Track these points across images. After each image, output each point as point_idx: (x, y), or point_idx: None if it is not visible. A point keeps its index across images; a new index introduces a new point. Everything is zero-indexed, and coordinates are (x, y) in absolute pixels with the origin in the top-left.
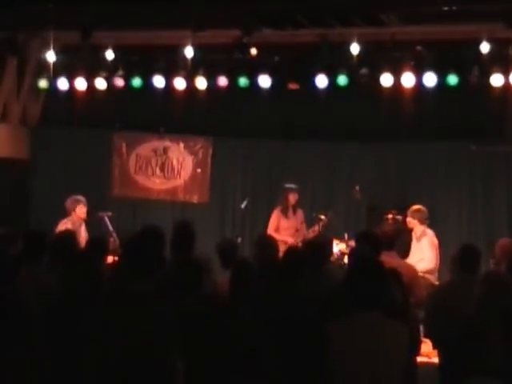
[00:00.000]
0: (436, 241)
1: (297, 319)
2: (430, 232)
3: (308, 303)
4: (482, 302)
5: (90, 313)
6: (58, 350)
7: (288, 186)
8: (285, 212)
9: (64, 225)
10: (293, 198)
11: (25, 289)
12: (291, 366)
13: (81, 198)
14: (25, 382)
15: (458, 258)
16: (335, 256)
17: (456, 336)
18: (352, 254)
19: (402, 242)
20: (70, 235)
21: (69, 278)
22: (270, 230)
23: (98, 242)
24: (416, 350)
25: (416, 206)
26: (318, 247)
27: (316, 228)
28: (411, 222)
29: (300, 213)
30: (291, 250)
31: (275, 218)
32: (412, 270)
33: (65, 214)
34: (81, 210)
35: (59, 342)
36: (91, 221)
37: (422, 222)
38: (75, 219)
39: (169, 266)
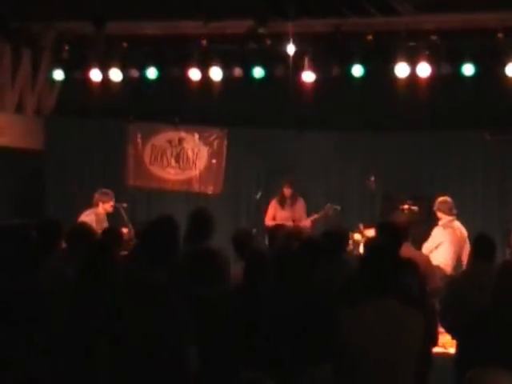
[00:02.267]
0: (463, 233)
1: (310, 308)
2: (456, 224)
3: (323, 293)
4: (497, 292)
5: (105, 301)
6: (73, 337)
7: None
8: (281, 203)
9: (88, 216)
10: (286, 190)
11: (44, 279)
12: (303, 354)
13: (110, 192)
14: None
15: (473, 248)
16: (351, 246)
17: (470, 326)
18: (368, 243)
19: (415, 232)
20: (87, 226)
21: (85, 267)
22: (267, 220)
23: (112, 233)
24: (433, 340)
25: (441, 198)
26: (336, 237)
27: (314, 217)
28: (438, 213)
29: (299, 204)
30: (307, 239)
31: (271, 208)
32: (426, 260)
33: (85, 204)
34: (108, 205)
35: (74, 331)
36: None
37: (446, 212)
38: (100, 211)
39: (185, 254)
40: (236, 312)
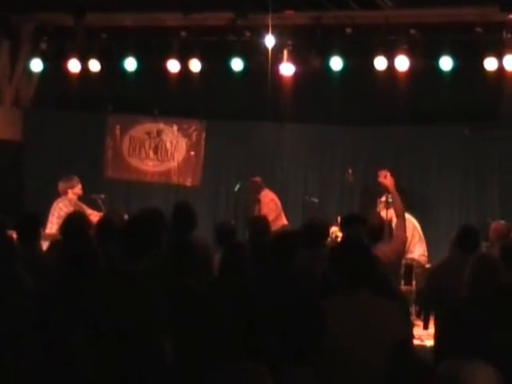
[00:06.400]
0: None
1: (288, 300)
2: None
3: (302, 285)
4: (473, 285)
5: (85, 293)
6: (54, 330)
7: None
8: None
9: (60, 203)
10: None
11: (22, 271)
12: (285, 346)
13: (73, 177)
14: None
15: (458, 239)
16: (329, 240)
17: (447, 317)
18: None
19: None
20: (82, 216)
21: (66, 258)
22: None
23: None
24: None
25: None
26: (314, 230)
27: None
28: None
29: (264, 201)
30: (283, 232)
31: None
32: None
33: (58, 195)
34: (77, 188)
35: (55, 324)
36: (85, 203)
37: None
38: (72, 197)
39: (167, 247)
40: (219, 304)
